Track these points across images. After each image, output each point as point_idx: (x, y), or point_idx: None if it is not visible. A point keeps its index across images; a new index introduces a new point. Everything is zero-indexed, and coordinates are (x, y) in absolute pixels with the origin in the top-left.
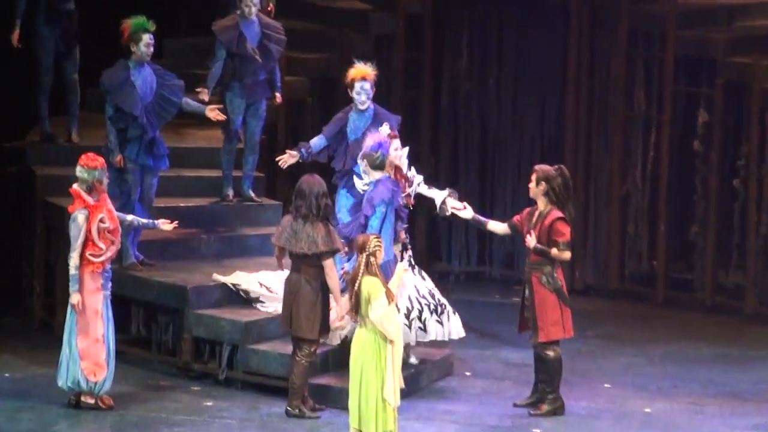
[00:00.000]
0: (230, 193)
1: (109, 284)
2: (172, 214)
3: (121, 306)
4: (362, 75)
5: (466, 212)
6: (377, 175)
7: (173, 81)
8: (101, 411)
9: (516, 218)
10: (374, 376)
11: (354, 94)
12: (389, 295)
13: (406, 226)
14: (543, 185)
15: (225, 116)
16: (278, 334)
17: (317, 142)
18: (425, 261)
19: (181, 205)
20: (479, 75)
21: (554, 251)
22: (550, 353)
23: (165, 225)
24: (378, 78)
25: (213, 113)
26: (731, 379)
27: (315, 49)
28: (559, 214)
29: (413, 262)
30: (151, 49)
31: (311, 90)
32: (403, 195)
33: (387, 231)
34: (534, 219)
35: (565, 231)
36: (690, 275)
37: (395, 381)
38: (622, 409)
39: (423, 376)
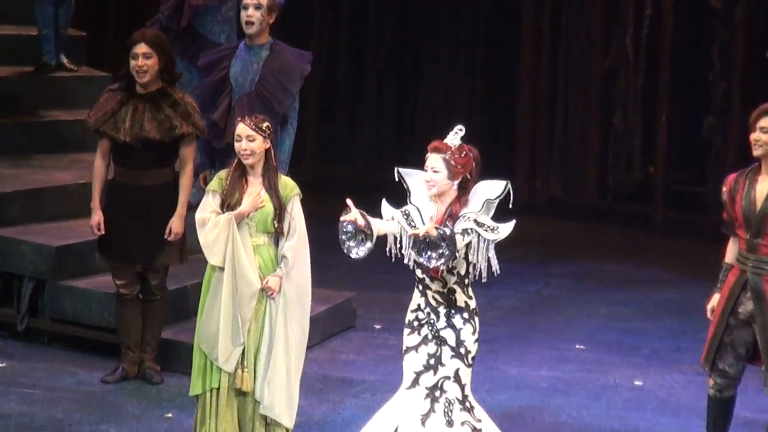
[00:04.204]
0: (52, 60)
1: None
2: None
3: None
4: None
5: None
6: None
7: None
8: None
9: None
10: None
11: (242, 8)
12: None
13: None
14: None
15: None
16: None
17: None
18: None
19: None
20: None
21: None
22: None
23: None
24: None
25: None
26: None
27: None
28: None
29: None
30: None
31: None
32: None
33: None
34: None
35: None
36: (701, 188)
37: (223, 334)
38: (601, 382)
39: (317, 327)
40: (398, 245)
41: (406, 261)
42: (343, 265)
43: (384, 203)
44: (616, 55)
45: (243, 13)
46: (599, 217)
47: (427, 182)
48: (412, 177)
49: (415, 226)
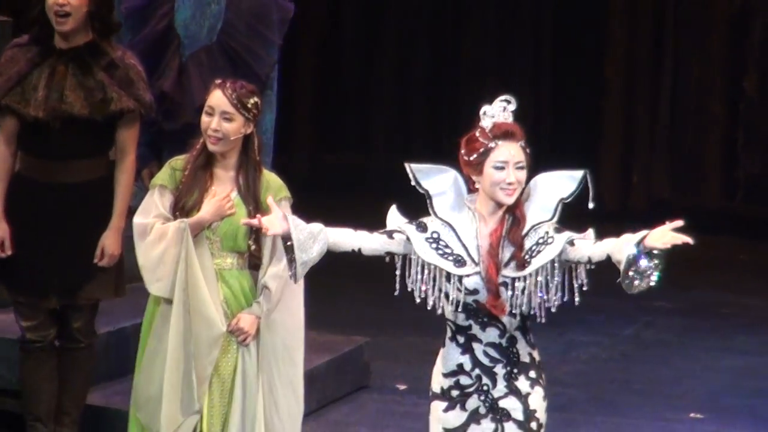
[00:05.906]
0: None
1: None
2: None
3: None
4: None
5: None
6: None
7: None
8: None
9: None
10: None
11: None
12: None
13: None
14: None
15: None
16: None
17: None
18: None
19: None
20: None
21: None
22: None
23: None
24: None
25: None
26: None
27: None
28: None
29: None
30: None
31: None
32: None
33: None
34: None
35: None
36: None
37: (169, 398)
38: None
39: (314, 388)
40: (411, 276)
41: (419, 300)
42: (351, 300)
43: (392, 211)
44: None
45: None
46: (724, 226)
47: (509, 186)
48: (431, 178)
49: (451, 253)
